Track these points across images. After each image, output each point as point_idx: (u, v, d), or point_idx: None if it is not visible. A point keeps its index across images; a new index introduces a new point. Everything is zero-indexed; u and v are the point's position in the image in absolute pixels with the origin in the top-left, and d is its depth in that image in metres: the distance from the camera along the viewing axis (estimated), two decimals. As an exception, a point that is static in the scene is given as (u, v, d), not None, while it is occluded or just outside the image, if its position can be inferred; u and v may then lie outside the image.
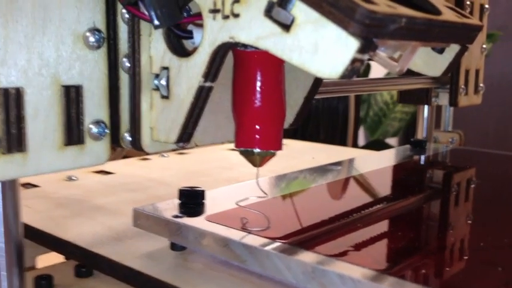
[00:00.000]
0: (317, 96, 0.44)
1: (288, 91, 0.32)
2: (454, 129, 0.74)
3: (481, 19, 0.59)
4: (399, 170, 0.51)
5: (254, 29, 0.23)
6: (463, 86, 0.57)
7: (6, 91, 0.24)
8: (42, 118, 0.25)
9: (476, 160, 0.60)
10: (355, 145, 1.39)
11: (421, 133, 0.68)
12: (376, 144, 1.85)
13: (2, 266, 0.28)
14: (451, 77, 0.56)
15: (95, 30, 0.26)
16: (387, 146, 1.85)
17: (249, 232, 0.30)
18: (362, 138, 1.94)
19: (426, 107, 0.67)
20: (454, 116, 0.72)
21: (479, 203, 0.41)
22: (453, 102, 0.58)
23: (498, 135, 1.71)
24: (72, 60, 0.26)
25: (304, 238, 0.31)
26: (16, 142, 0.25)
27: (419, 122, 0.69)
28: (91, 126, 0.27)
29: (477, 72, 0.60)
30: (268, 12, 0.22)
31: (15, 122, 0.24)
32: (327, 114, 1.26)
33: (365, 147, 1.83)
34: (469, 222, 0.37)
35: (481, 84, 0.60)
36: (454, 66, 0.29)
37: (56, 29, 0.25)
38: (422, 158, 0.56)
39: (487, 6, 0.59)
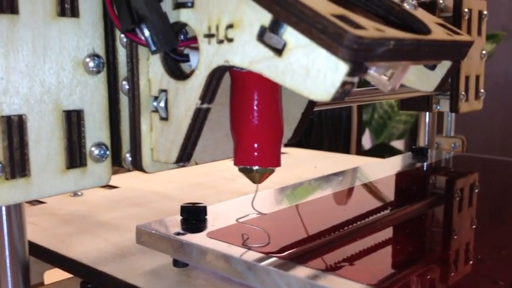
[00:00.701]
0: (318, 108, 0.44)
1: (286, 108, 0.32)
2: (456, 134, 0.74)
3: (479, 25, 0.59)
4: (400, 180, 0.52)
5: (248, 53, 0.23)
6: (463, 93, 0.57)
7: (9, 119, 0.25)
8: (45, 143, 0.26)
9: (477, 167, 0.60)
10: (359, 151, 1.39)
11: (423, 139, 0.68)
12: (381, 148, 1.85)
13: (9, 286, 0.28)
14: (451, 84, 0.56)
15: (94, 56, 0.27)
16: (392, 149, 1.85)
17: (250, 248, 0.30)
18: (367, 141, 1.94)
19: (428, 113, 0.67)
20: (458, 117, 0.73)
21: (481, 212, 0.42)
22: (454, 108, 0.58)
23: (503, 133, 1.71)
24: (73, 85, 0.27)
25: (304, 253, 0.31)
26: (19, 168, 0.25)
27: (421, 129, 0.69)
28: (93, 148, 0.28)
29: (477, 78, 0.60)
30: (261, 37, 0.23)
31: (18, 148, 0.25)
32: (330, 121, 1.26)
33: (370, 150, 1.83)
34: (470, 232, 0.37)
35: (482, 90, 0.61)
36: (447, 81, 0.29)
37: (56, 57, 0.26)
38: (424, 166, 0.57)
39: (485, 12, 0.59)
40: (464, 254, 0.33)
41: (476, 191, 0.49)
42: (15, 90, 0.25)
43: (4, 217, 0.28)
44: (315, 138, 1.24)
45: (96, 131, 0.28)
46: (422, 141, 0.68)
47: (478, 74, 0.59)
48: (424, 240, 0.36)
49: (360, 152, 1.51)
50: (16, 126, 0.25)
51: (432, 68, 0.29)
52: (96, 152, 0.28)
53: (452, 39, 0.25)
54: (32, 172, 0.26)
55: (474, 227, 0.38)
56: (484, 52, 0.59)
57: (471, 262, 0.31)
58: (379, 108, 1.91)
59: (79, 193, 0.52)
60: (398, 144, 1.98)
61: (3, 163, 0.25)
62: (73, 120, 0.27)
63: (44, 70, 0.26)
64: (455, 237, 0.36)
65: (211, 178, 0.59)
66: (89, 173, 0.28)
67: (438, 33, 0.25)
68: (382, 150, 1.81)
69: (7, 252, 0.28)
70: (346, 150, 1.34)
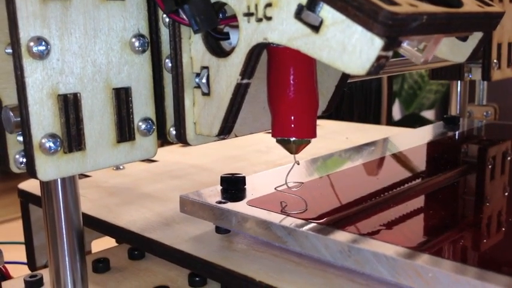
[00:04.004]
0: (350, 80, 0.45)
1: (320, 80, 0.33)
2: (489, 102, 0.74)
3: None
4: (432, 148, 0.52)
5: (286, 31, 0.25)
6: (495, 60, 0.57)
7: (65, 97, 0.27)
8: (98, 119, 0.28)
9: (510, 135, 0.60)
10: (389, 121, 1.39)
11: (454, 108, 0.69)
12: (412, 118, 1.84)
13: (65, 252, 0.31)
14: (483, 52, 0.56)
15: (139, 36, 0.29)
16: (423, 119, 1.84)
17: (288, 215, 0.32)
18: (397, 112, 1.93)
19: (459, 82, 0.67)
20: (491, 85, 0.72)
21: None
22: (486, 76, 0.58)
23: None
24: (121, 65, 0.29)
25: (341, 218, 0.33)
26: (76, 142, 0.27)
27: (453, 97, 0.69)
28: (140, 123, 0.30)
29: (510, 45, 0.60)
30: (298, 15, 0.24)
31: (74, 124, 0.27)
32: (360, 92, 1.26)
33: (400, 121, 1.82)
34: (502, 199, 0.38)
35: (515, 57, 0.60)
36: (478, 51, 0.30)
37: (105, 38, 0.28)
38: (455, 135, 0.57)
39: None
40: (496, 219, 0.34)
41: (509, 158, 0.49)
42: (70, 70, 0.27)
43: (60, 189, 0.30)
44: (346, 109, 1.24)
45: (142, 106, 0.30)
46: (454, 110, 0.68)
47: (510, 41, 0.59)
48: (457, 207, 0.37)
49: (390, 122, 1.51)
50: (72, 104, 0.27)
51: (464, 39, 0.29)
52: (143, 126, 0.30)
53: (484, 10, 0.26)
54: (87, 146, 0.28)
55: (507, 194, 0.39)
56: (517, 19, 0.59)
57: (503, 225, 0.33)
58: (409, 79, 1.89)
59: (121, 167, 0.54)
60: (429, 114, 1.96)
61: (61, 138, 0.27)
62: (122, 97, 0.29)
63: (95, 51, 0.28)
64: (488, 204, 0.37)
65: (245, 151, 0.61)
66: (137, 146, 0.30)
67: (469, 5, 0.26)
68: (412, 121, 1.80)
69: (63, 222, 0.30)
70: (376, 121, 1.34)
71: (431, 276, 0.25)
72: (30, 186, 0.48)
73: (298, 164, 0.32)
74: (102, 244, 0.45)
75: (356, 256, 0.28)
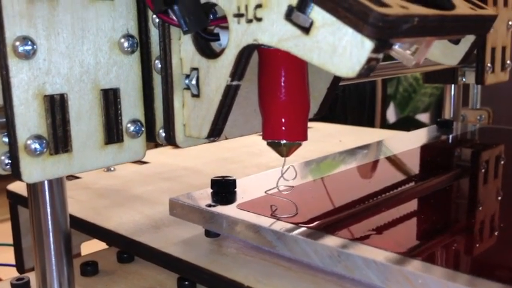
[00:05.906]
0: (343, 83, 0.45)
1: (312, 83, 0.33)
2: (482, 106, 0.74)
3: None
4: (425, 152, 0.52)
5: (276, 32, 0.24)
6: (489, 64, 0.57)
7: (51, 98, 0.26)
8: (85, 120, 0.28)
9: (503, 139, 0.60)
10: (383, 124, 1.39)
11: (448, 112, 0.69)
12: (406, 122, 1.84)
13: (52, 255, 0.30)
14: (477, 56, 0.56)
15: (128, 37, 0.28)
16: (418, 123, 1.84)
17: (278, 219, 0.32)
18: (392, 115, 1.93)
19: (453, 85, 0.67)
20: (484, 89, 0.72)
21: (506, 184, 0.42)
22: (480, 80, 0.58)
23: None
24: (109, 65, 0.28)
25: (331, 223, 0.33)
26: (62, 144, 0.27)
27: (447, 101, 0.69)
28: (128, 125, 0.29)
29: (503, 49, 0.59)
30: (289, 16, 0.24)
31: (60, 125, 0.27)
32: (354, 94, 1.26)
33: (395, 124, 1.83)
34: (495, 203, 0.38)
35: (508, 61, 0.60)
36: (471, 54, 0.30)
37: (93, 38, 0.27)
38: (449, 138, 0.57)
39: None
40: (488, 224, 0.34)
41: (502, 162, 0.49)
42: (56, 70, 0.26)
43: (47, 191, 0.29)
44: (339, 112, 1.24)
45: (131, 108, 0.30)
46: (448, 113, 0.68)
47: (504, 45, 0.59)
48: (450, 211, 0.37)
49: (385, 125, 1.51)
50: (58, 105, 0.26)
51: (456, 42, 0.29)
52: (132, 128, 0.30)
53: (476, 13, 0.26)
54: (73, 148, 0.27)
55: (499, 198, 0.39)
56: (510, 23, 0.59)
57: (495, 231, 0.32)
58: (404, 82, 1.89)
59: (112, 168, 0.54)
60: (424, 117, 1.96)
61: (47, 139, 0.26)
62: (110, 99, 0.28)
63: (83, 51, 0.27)
64: (480, 208, 0.37)
65: (237, 153, 0.61)
66: (126, 148, 0.30)
67: (462, 8, 0.25)
68: (407, 124, 1.81)
69: (50, 224, 0.30)
70: (370, 124, 1.34)
71: (421, 283, 0.25)
72: (19, 187, 0.48)
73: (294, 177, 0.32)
74: (92, 246, 0.44)
75: (346, 261, 0.28)
